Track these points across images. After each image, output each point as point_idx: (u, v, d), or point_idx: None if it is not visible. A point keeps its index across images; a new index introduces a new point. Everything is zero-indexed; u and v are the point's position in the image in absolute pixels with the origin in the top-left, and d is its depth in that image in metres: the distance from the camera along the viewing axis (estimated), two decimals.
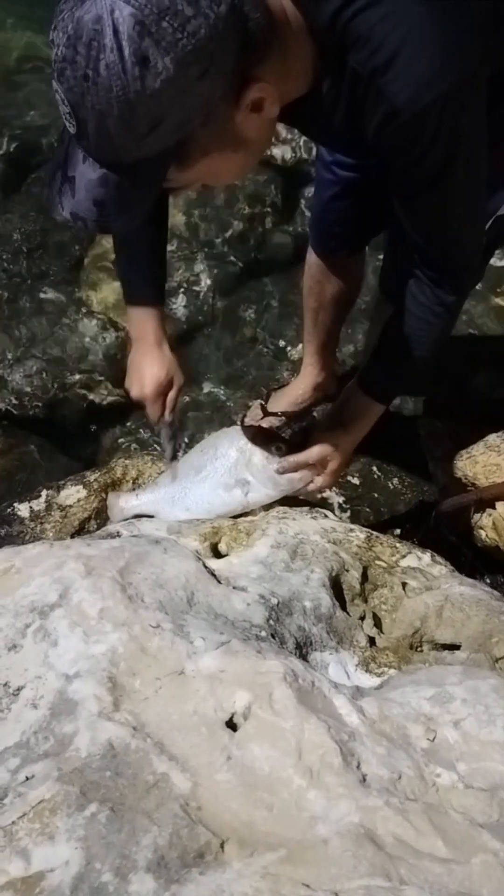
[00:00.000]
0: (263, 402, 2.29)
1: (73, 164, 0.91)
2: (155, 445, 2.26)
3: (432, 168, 1.05)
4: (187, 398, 2.36)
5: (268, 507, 1.45)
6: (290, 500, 1.47)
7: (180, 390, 1.50)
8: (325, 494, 2.11)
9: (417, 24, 0.93)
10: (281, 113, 0.99)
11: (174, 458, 1.54)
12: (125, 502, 1.50)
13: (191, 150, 0.91)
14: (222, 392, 2.40)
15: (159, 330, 1.46)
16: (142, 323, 1.46)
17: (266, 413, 2.23)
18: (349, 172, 1.64)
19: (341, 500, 2.10)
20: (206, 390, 2.44)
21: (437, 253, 1.23)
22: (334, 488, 2.12)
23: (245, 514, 1.45)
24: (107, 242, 2.75)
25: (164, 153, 0.89)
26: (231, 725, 0.89)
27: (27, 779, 0.82)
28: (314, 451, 1.42)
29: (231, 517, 1.42)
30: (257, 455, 1.44)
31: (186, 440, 2.19)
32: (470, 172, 1.09)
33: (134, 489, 1.57)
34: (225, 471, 1.45)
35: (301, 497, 1.53)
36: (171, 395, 1.49)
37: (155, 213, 1.39)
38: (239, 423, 2.27)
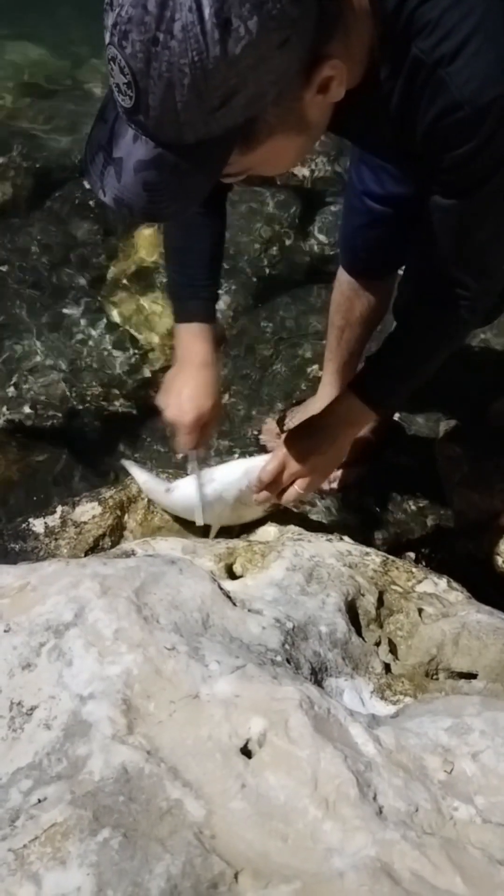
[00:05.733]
0: (279, 420, 2.28)
1: (121, 143, 0.81)
2: (159, 460, 2.26)
3: (479, 170, 0.99)
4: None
5: (281, 523, 1.44)
6: (307, 524, 1.47)
7: (218, 420, 1.38)
8: (339, 517, 2.11)
9: (488, 16, 0.89)
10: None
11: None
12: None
13: (258, 129, 0.83)
14: (239, 409, 2.40)
15: (208, 351, 1.35)
16: (190, 340, 1.36)
17: (282, 431, 2.23)
18: (379, 206, 1.62)
19: (357, 521, 2.09)
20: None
21: (458, 268, 1.19)
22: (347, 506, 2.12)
23: (253, 527, 1.43)
24: (129, 257, 2.78)
25: (231, 132, 0.80)
26: (246, 752, 0.87)
27: (39, 801, 0.81)
28: (292, 466, 1.36)
29: (246, 539, 1.42)
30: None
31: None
32: None
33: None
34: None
35: (287, 505, 1.47)
36: (209, 425, 1.38)
37: (212, 219, 1.33)
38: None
